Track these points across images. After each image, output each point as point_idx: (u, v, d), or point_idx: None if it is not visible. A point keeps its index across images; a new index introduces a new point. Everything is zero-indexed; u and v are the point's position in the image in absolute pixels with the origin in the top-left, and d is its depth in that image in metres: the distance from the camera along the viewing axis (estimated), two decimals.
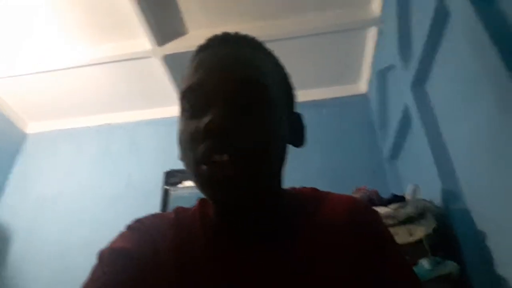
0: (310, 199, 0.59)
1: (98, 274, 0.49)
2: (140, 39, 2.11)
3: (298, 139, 0.58)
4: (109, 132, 2.67)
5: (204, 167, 0.46)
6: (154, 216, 0.59)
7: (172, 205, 2.22)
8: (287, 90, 0.58)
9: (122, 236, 0.54)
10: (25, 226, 2.35)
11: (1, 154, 2.58)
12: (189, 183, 2.36)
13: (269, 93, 0.51)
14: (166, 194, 2.32)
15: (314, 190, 0.62)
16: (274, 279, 0.50)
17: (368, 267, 0.53)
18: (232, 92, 0.48)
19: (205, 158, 0.46)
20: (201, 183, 0.48)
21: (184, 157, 0.51)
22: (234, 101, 0.48)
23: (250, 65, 0.52)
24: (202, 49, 0.55)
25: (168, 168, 2.35)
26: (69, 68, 2.28)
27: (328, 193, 0.61)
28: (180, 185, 2.36)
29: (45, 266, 2.16)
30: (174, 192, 2.34)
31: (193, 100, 0.50)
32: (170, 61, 2.21)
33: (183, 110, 0.52)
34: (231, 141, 0.46)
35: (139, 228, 0.55)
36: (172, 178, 2.35)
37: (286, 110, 0.55)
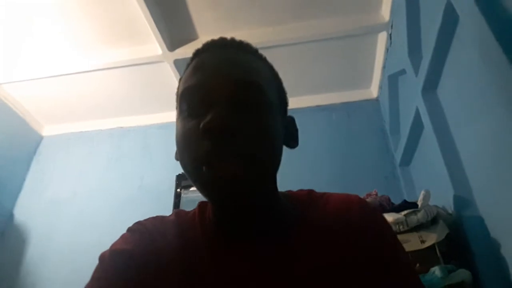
0: (306, 201, 0.59)
1: (99, 275, 0.50)
2: (152, 45, 2.15)
3: (293, 140, 0.59)
4: (122, 135, 2.71)
5: (204, 168, 0.46)
6: (154, 218, 0.60)
7: (184, 208, 2.24)
8: (281, 95, 0.59)
9: (122, 238, 0.55)
10: (40, 227, 2.39)
11: (19, 156, 2.65)
12: None
13: (267, 95, 0.52)
14: (178, 197, 2.34)
15: (310, 192, 0.62)
16: (272, 279, 0.50)
17: (367, 267, 0.52)
18: (232, 92, 0.49)
19: (206, 159, 0.46)
20: (201, 184, 0.48)
21: (181, 157, 0.50)
22: (234, 102, 0.49)
23: (248, 68, 0.53)
24: (199, 52, 0.56)
25: (180, 171, 2.36)
26: (83, 72, 2.33)
27: (324, 194, 0.61)
28: (192, 188, 2.38)
29: (59, 267, 2.20)
30: (185, 195, 2.36)
31: (192, 100, 0.50)
32: (181, 66, 2.24)
33: (181, 110, 0.52)
34: (231, 141, 0.46)
35: (140, 230, 0.56)
36: (184, 181, 2.37)
37: (280, 113, 0.56)
